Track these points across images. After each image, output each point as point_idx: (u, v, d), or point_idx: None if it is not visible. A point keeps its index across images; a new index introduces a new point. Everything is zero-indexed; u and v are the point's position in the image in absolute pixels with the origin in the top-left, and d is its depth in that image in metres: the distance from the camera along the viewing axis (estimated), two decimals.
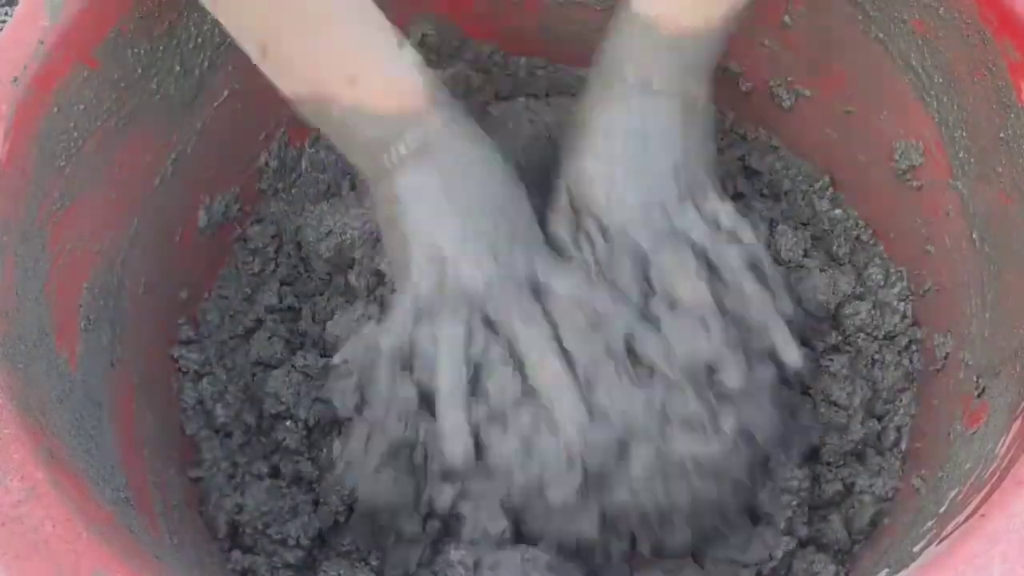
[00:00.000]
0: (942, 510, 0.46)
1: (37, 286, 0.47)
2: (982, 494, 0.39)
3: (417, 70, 0.49)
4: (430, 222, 0.49)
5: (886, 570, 0.43)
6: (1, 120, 0.45)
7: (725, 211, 0.52)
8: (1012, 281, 0.52)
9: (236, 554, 0.56)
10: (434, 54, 0.68)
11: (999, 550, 0.35)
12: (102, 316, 0.53)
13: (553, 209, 0.54)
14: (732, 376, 0.49)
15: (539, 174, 0.57)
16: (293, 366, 0.61)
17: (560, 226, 0.53)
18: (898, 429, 0.60)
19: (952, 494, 0.46)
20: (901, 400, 0.61)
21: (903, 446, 0.59)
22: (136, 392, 0.55)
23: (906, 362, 0.62)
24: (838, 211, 0.66)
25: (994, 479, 0.40)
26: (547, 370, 0.48)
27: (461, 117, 0.51)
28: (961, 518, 0.39)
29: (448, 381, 0.49)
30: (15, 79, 0.46)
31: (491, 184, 0.51)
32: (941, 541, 0.38)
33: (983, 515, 0.36)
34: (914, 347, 0.62)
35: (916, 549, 0.42)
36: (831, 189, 0.67)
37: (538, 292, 0.50)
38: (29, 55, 0.47)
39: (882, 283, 0.63)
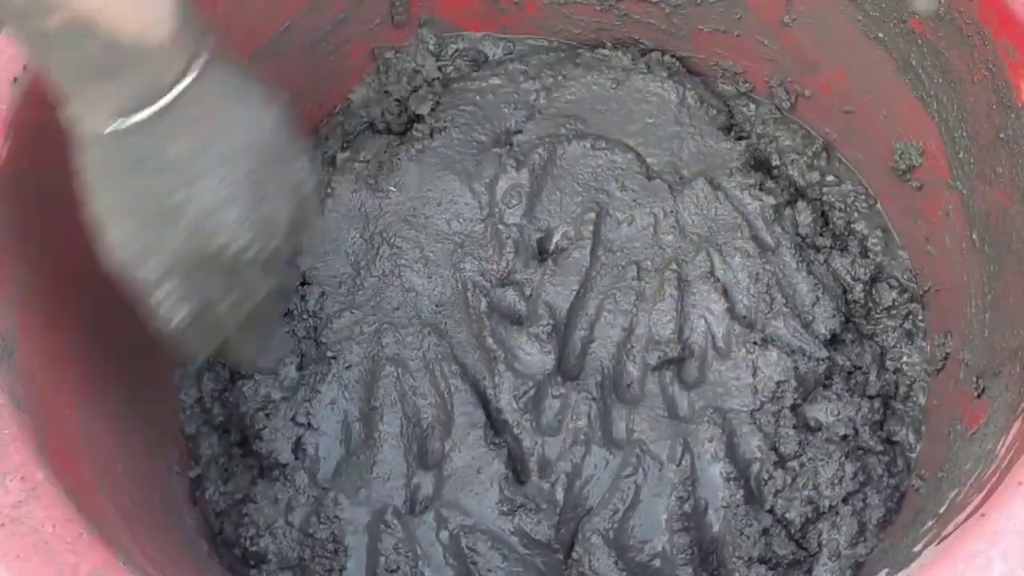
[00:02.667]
0: (942, 510, 0.46)
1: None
2: (982, 494, 0.39)
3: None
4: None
5: (886, 570, 0.43)
6: (1, 120, 0.45)
7: None
8: (1012, 281, 0.52)
9: (236, 553, 0.56)
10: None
11: (999, 550, 0.35)
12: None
13: None
14: None
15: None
16: None
17: None
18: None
19: (952, 494, 0.46)
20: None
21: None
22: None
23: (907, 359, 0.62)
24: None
25: (994, 479, 0.40)
26: None
27: (218, 60, 0.40)
28: (961, 518, 0.39)
29: None
30: (15, 79, 0.46)
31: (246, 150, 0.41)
32: (941, 541, 0.38)
33: (983, 515, 0.36)
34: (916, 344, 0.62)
35: (916, 549, 0.42)
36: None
37: None
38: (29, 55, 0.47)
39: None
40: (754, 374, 0.60)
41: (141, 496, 0.50)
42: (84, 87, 0.38)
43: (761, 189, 0.65)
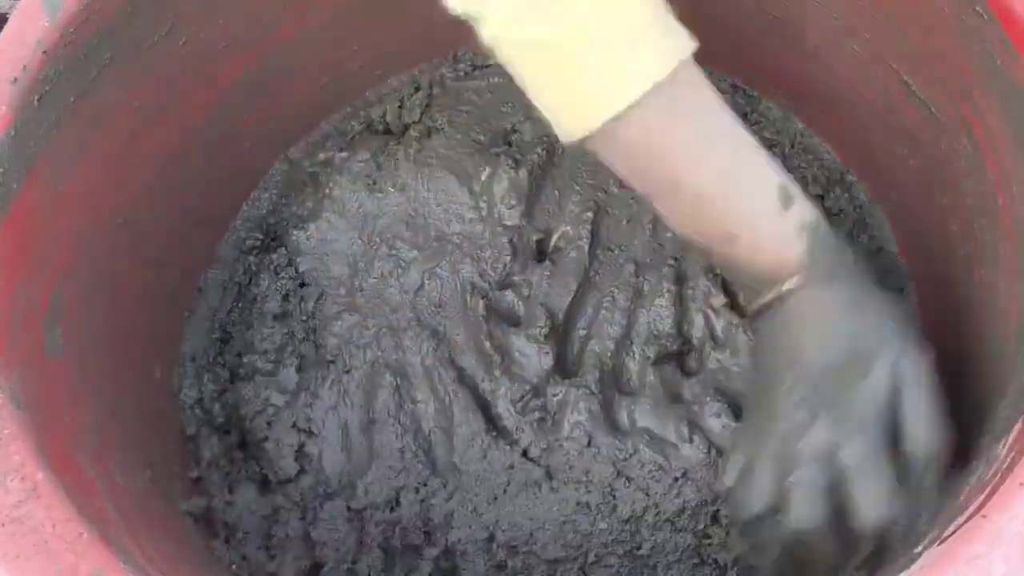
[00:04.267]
0: (942, 510, 0.46)
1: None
2: (983, 495, 0.39)
3: (798, 234, 0.48)
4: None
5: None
6: (1, 120, 0.45)
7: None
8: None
9: (234, 552, 0.56)
10: None
11: (1000, 551, 0.35)
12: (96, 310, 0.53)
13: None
14: None
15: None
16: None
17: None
18: None
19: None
20: None
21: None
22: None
23: None
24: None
25: (995, 480, 0.40)
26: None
27: (839, 275, 0.49)
28: (962, 518, 0.39)
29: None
30: (15, 79, 0.46)
31: (832, 357, 0.48)
32: (942, 541, 0.38)
33: (984, 516, 0.36)
34: None
35: (916, 549, 0.42)
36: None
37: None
38: (29, 55, 0.47)
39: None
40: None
41: (141, 496, 0.50)
42: (743, 285, 0.54)
43: None
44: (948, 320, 0.59)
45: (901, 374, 0.47)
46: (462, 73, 0.70)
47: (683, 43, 0.44)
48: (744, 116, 0.67)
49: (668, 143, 0.45)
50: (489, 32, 0.43)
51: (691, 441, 0.58)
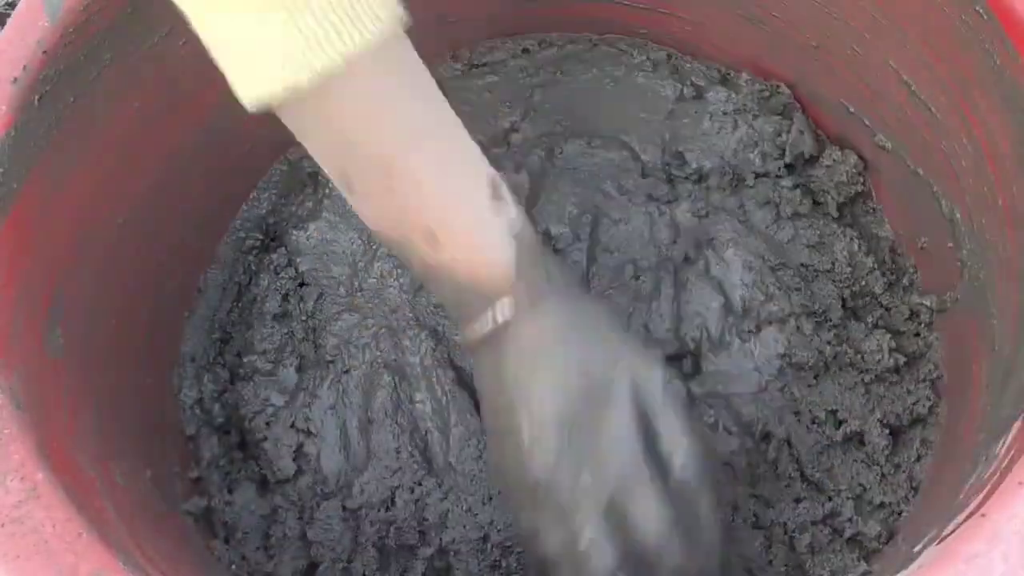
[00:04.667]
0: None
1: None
2: (982, 494, 0.39)
3: (507, 240, 0.44)
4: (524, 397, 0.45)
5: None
6: (1, 120, 0.45)
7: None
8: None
9: (234, 552, 0.56)
10: None
11: (1000, 550, 0.35)
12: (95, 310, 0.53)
13: None
14: None
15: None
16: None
17: None
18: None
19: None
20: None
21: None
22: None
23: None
24: None
25: (994, 479, 0.40)
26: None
27: (546, 290, 0.46)
28: (961, 518, 0.39)
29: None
30: (15, 79, 0.46)
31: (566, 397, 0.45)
32: (941, 540, 0.38)
33: (983, 515, 0.36)
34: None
35: (916, 549, 0.42)
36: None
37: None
38: (29, 55, 0.47)
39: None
40: (753, 360, 0.60)
41: (141, 496, 0.50)
42: (449, 305, 0.49)
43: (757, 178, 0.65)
44: (948, 319, 0.59)
45: (642, 395, 0.45)
46: (460, 73, 0.70)
47: (398, 14, 0.39)
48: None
49: (381, 118, 0.41)
50: None
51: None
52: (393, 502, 0.58)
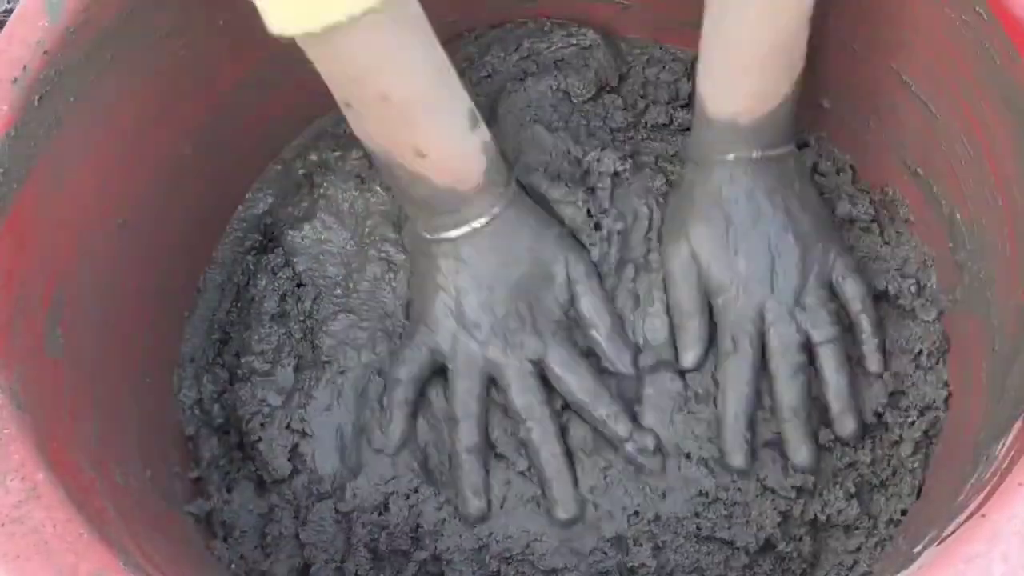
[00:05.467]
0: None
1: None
2: (982, 494, 0.39)
3: (481, 154, 0.55)
4: (459, 290, 0.57)
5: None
6: (1, 120, 0.45)
7: (849, 288, 0.58)
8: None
9: (232, 551, 0.56)
10: None
11: (1000, 551, 0.35)
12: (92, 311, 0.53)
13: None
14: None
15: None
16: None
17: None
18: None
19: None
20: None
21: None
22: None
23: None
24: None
25: (994, 479, 0.40)
26: (547, 454, 0.57)
27: (513, 200, 0.58)
28: (961, 518, 0.39)
29: (465, 438, 0.57)
30: (15, 79, 0.46)
31: (519, 274, 0.58)
32: (941, 541, 0.38)
33: (983, 515, 0.36)
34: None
35: (916, 549, 0.42)
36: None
37: (545, 379, 0.58)
38: (29, 55, 0.47)
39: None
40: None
41: (141, 497, 0.50)
42: (417, 210, 0.57)
43: None
44: (947, 319, 0.59)
45: (573, 274, 0.59)
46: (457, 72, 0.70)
47: None
48: None
49: (385, 58, 0.48)
50: None
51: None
52: (387, 507, 0.58)
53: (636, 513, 0.57)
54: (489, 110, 0.67)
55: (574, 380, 0.57)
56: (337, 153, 0.67)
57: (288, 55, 0.62)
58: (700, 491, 0.57)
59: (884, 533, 0.55)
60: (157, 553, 0.44)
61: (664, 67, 0.69)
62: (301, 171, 0.68)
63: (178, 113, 0.57)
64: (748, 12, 0.52)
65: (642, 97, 0.69)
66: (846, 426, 0.56)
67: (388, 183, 0.60)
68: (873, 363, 0.58)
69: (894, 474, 0.57)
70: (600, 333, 0.59)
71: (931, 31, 0.53)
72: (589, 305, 0.59)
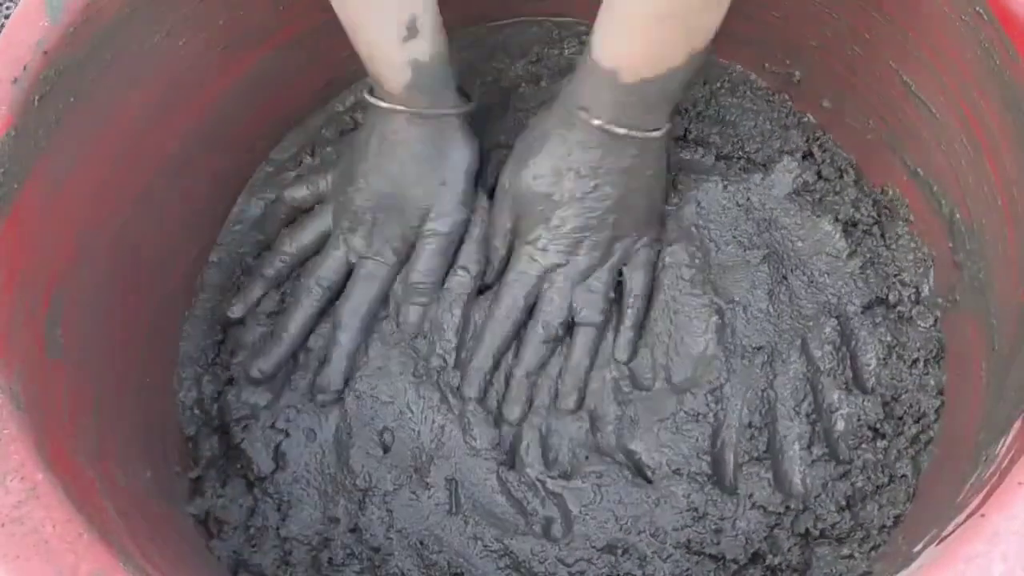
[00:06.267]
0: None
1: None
2: (982, 494, 0.39)
3: (407, 68, 0.56)
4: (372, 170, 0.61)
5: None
6: (1, 120, 0.45)
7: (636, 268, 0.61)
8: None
9: (233, 552, 0.56)
10: None
11: (999, 551, 0.35)
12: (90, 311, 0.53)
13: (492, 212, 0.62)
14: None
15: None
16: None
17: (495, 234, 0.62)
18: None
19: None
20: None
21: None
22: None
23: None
24: None
25: (994, 479, 0.40)
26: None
27: (436, 126, 0.59)
28: (961, 518, 0.39)
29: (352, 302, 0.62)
30: (15, 79, 0.46)
31: (404, 183, 0.60)
32: (940, 541, 0.38)
33: (983, 515, 0.36)
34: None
35: (916, 549, 0.42)
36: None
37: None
38: (29, 55, 0.47)
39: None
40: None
41: (141, 496, 0.50)
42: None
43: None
44: (947, 319, 0.59)
45: (426, 227, 0.61)
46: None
47: None
48: None
49: None
50: None
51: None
52: (362, 510, 0.58)
53: (626, 524, 0.57)
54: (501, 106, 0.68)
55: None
56: (330, 150, 0.68)
57: (288, 55, 0.62)
58: (689, 506, 0.57)
59: (877, 539, 0.55)
60: (157, 553, 0.44)
61: None
62: (297, 172, 0.68)
63: (178, 113, 0.57)
64: None
65: None
66: (567, 403, 0.60)
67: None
68: (620, 351, 0.61)
69: (889, 481, 0.57)
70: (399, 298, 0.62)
71: (931, 31, 0.53)
72: (420, 267, 0.61)
